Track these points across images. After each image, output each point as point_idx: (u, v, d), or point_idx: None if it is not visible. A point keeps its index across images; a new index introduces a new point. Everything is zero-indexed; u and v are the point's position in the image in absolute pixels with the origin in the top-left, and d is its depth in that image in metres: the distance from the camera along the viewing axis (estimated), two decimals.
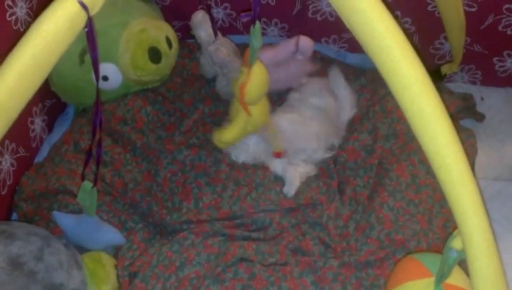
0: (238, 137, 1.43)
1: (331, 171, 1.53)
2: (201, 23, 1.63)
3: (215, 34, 1.60)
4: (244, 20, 1.15)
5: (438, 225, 1.40)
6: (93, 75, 0.96)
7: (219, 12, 1.81)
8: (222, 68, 1.57)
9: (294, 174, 1.47)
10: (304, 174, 1.50)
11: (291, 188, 1.46)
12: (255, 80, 1.30)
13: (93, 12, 0.77)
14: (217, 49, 1.54)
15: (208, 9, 1.58)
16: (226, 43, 1.59)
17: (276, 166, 1.50)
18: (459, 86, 1.84)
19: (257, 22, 1.13)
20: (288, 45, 1.42)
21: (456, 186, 0.81)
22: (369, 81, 1.69)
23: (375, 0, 0.77)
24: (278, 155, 1.48)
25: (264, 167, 1.51)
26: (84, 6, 0.75)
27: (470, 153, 1.58)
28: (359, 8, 0.77)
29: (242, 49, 1.78)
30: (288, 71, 1.46)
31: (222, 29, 1.76)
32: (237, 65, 1.56)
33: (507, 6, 1.57)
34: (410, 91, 0.78)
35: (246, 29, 1.87)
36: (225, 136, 1.41)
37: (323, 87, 1.58)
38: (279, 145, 1.47)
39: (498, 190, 1.56)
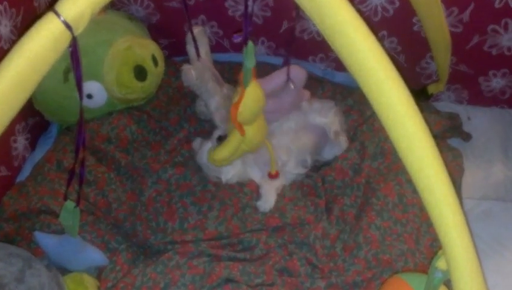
0: (232, 156, 1.40)
1: (319, 190, 1.53)
2: (196, 38, 1.63)
3: (198, 55, 1.61)
4: (237, 40, 1.16)
5: (425, 245, 1.40)
6: (77, 93, 0.95)
7: (206, 31, 1.81)
8: (195, 89, 1.58)
9: (270, 190, 1.48)
10: (279, 187, 1.50)
11: (265, 205, 1.46)
12: (249, 98, 1.28)
13: (77, 32, 0.77)
14: (187, 70, 1.55)
15: (191, 30, 1.59)
16: (204, 66, 1.59)
17: (255, 177, 1.51)
18: (446, 106, 1.85)
19: (250, 42, 1.14)
20: (280, 75, 1.44)
21: (439, 207, 0.81)
22: (356, 101, 1.70)
23: (359, 22, 0.78)
24: (274, 176, 1.49)
25: (250, 186, 1.51)
26: (69, 26, 0.75)
27: (457, 172, 1.58)
28: (343, 31, 0.78)
29: (229, 67, 1.80)
30: (280, 102, 1.48)
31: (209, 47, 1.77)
32: (213, 89, 1.57)
33: (492, 27, 1.59)
34: (394, 111, 0.79)
35: (233, 47, 1.88)
36: (217, 154, 1.39)
37: (333, 112, 1.60)
38: (276, 166, 1.48)
39: (485, 209, 1.56)
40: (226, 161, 1.41)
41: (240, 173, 1.51)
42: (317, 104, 1.59)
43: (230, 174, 1.49)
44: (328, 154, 1.60)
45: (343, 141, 1.59)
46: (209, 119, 1.64)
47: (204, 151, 1.49)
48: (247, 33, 1.11)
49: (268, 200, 1.46)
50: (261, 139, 1.42)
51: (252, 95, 1.28)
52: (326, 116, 1.57)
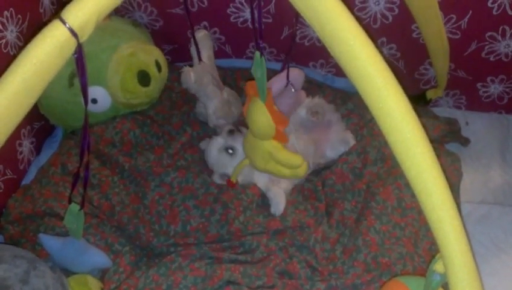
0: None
1: (319, 194, 1.55)
2: (200, 42, 1.65)
3: (200, 59, 1.62)
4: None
5: (423, 248, 1.41)
6: (82, 98, 0.97)
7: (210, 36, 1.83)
8: (193, 92, 1.60)
9: (279, 192, 1.48)
10: (287, 191, 1.51)
11: (278, 207, 1.47)
12: (251, 109, 1.30)
13: (82, 39, 0.78)
14: (186, 72, 1.56)
15: (193, 33, 1.60)
16: (203, 70, 1.60)
17: (259, 181, 1.52)
18: (444, 111, 1.86)
19: (257, 52, 1.15)
20: (280, 80, 1.46)
21: (437, 211, 0.82)
22: (356, 106, 1.71)
23: (358, 29, 0.80)
24: (230, 184, 1.50)
25: (252, 189, 1.52)
26: (74, 34, 0.76)
27: (455, 176, 1.59)
28: (343, 38, 0.79)
29: (231, 72, 1.82)
30: (281, 106, 1.49)
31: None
32: (212, 92, 1.58)
33: (490, 33, 1.61)
34: (392, 117, 0.80)
35: (235, 53, 1.89)
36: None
37: (316, 101, 1.61)
38: (236, 177, 1.49)
39: (483, 213, 1.57)
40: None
41: (246, 173, 1.51)
42: (305, 101, 1.60)
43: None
44: (331, 152, 1.60)
45: (349, 138, 1.61)
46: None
47: (214, 147, 1.50)
48: (260, 43, 1.13)
49: (279, 202, 1.47)
50: (246, 152, 1.44)
51: (255, 110, 1.30)
52: (307, 105, 1.58)
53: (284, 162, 1.37)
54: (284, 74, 1.46)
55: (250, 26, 1.71)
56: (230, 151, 1.49)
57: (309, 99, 1.60)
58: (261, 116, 1.31)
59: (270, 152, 1.37)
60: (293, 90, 1.47)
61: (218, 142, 1.51)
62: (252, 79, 1.27)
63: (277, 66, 1.81)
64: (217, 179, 1.52)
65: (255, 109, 1.31)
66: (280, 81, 1.47)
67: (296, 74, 1.49)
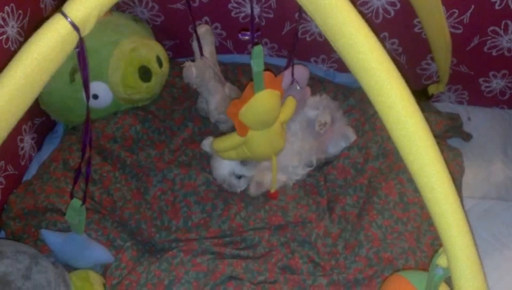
0: (229, 152, 1.38)
1: (321, 189, 1.54)
2: (202, 37, 1.65)
3: (201, 54, 1.62)
4: (243, 38, 1.15)
5: (426, 243, 1.41)
6: (83, 94, 0.97)
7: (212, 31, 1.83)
8: (195, 87, 1.59)
9: (258, 178, 1.48)
10: (280, 182, 1.50)
11: (252, 189, 1.47)
12: (257, 103, 1.26)
13: (84, 33, 0.78)
14: (188, 67, 1.56)
15: (195, 28, 1.60)
16: (205, 65, 1.60)
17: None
18: (446, 106, 1.86)
19: (258, 45, 1.14)
20: (285, 77, 1.45)
21: (440, 205, 0.82)
22: (357, 101, 1.71)
23: (361, 23, 0.80)
24: (273, 196, 1.49)
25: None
26: (76, 27, 0.76)
27: (457, 172, 1.59)
28: (345, 32, 0.79)
29: (232, 68, 1.82)
30: None
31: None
32: (214, 88, 1.58)
33: (492, 28, 1.60)
34: (395, 111, 0.80)
35: (237, 48, 1.89)
36: (215, 144, 1.38)
37: (324, 103, 1.61)
38: (275, 186, 1.48)
39: (485, 208, 1.57)
40: (222, 153, 1.40)
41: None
42: (311, 99, 1.60)
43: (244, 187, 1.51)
44: (334, 148, 1.60)
45: (350, 133, 1.60)
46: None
47: (225, 170, 1.49)
48: (254, 36, 1.11)
49: (256, 188, 1.47)
50: (268, 152, 1.39)
51: (262, 101, 1.25)
52: (318, 108, 1.57)
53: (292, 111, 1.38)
54: (288, 71, 1.46)
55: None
56: (239, 177, 1.49)
57: (316, 97, 1.59)
58: (270, 102, 1.27)
59: (283, 121, 1.36)
60: (298, 87, 1.47)
61: (230, 168, 1.49)
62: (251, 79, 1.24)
63: (278, 61, 1.82)
64: (226, 187, 1.52)
65: (262, 101, 1.27)
66: (285, 79, 1.46)
67: (301, 71, 1.48)
